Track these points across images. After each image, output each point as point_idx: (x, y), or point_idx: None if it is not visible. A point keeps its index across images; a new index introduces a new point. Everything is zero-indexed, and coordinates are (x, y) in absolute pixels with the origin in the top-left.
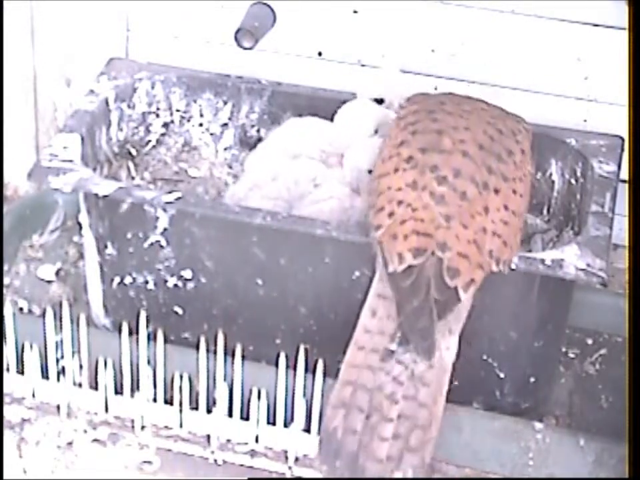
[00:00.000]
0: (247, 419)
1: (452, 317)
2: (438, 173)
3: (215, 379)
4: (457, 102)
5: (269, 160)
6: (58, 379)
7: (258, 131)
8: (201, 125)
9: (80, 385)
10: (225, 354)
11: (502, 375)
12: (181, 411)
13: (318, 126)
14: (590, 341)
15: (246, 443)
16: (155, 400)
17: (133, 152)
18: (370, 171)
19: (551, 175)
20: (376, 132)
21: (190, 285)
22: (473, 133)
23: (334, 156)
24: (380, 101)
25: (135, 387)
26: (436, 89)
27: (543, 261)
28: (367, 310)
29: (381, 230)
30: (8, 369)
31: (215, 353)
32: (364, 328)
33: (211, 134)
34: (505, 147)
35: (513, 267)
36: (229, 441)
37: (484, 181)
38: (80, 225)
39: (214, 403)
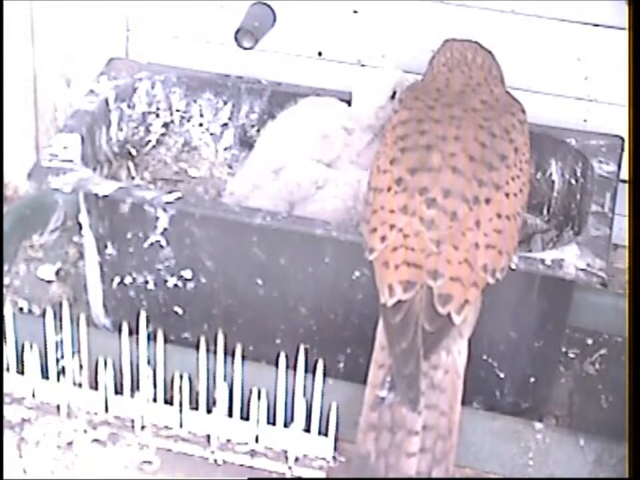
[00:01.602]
0: (247, 419)
1: (461, 321)
2: (427, 195)
3: (215, 379)
4: (449, 101)
5: (272, 155)
6: (58, 379)
7: (258, 130)
8: (201, 125)
9: (80, 385)
10: (225, 354)
11: (502, 375)
12: (181, 411)
13: (332, 104)
14: (590, 341)
15: (246, 443)
16: (155, 400)
17: (133, 152)
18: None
19: (551, 174)
20: (393, 96)
21: (190, 285)
22: (463, 142)
23: (358, 130)
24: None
25: (135, 387)
26: None
27: (543, 260)
28: (381, 327)
29: (374, 254)
30: (8, 369)
31: (215, 353)
32: (380, 345)
33: (211, 134)
34: (498, 153)
35: (513, 267)
36: (229, 440)
37: (474, 195)
38: (80, 224)
39: (214, 403)
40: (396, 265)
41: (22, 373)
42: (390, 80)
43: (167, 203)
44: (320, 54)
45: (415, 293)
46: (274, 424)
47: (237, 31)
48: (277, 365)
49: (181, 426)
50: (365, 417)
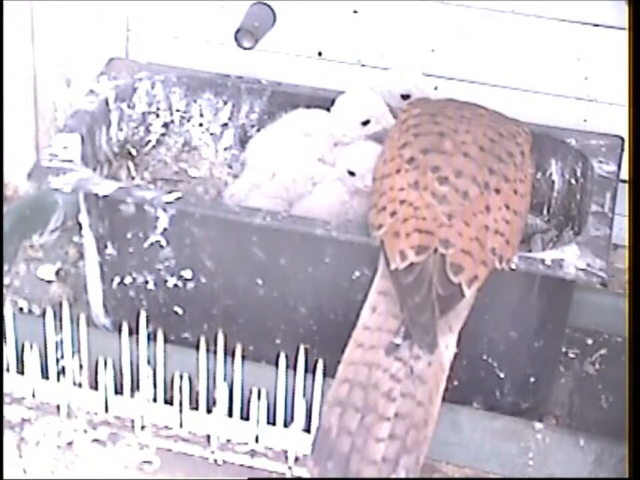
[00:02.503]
0: (247, 419)
1: (452, 315)
2: (439, 174)
3: (215, 379)
4: (457, 107)
5: (268, 157)
6: (58, 379)
7: (258, 130)
8: (201, 124)
9: (80, 385)
10: (225, 354)
11: (502, 375)
12: (181, 411)
13: (321, 116)
14: (590, 341)
15: (246, 443)
16: (155, 400)
17: (133, 152)
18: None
19: (551, 174)
20: (366, 123)
21: (190, 285)
22: (473, 135)
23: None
24: (406, 97)
25: (135, 387)
26: (436, 89)
27: (543, 260)
28: (367, 307)
29: (383, 229)
30: (8, 369)
31: (215, 353)
32: (363, 325)
33: (211, 134)
34: (506, 149)
35: (513, 266)
36: (229, 440)
37: (485, 181)
38: (80, 224)
39: (214, 403)
40: (407, 233)
41: (22, 373)
42: (368, 107)
43: (167, 202)
44: (320, 54)
45: (427, 257)
46: (274, 424)
47: (237, 31)
48: (277, 365)
49: (181, 426)
50: (335, 391)
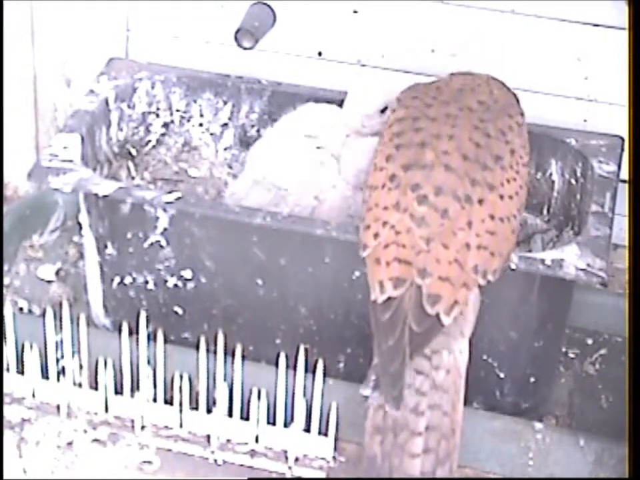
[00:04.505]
0: (247, 419)
1: (462, 320)
2: (419, 192)
3: (215, 379)
4: (445, 100)
5: (269, 154)
6: (58, 379)
7: (258, 130)
8: (201, 124)
9: (80, 385)
10: (225, 354)
11: (502, 375)
12: (181, 410)
13: (329, 109)
14: (590, 341)
15: (246, 443)
16: (155, 400)
17: (133, 152)
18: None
19: (551, 174)
20: (383, 110)
21: (190, 285)
22: (457, 141)
23: (347, 132)
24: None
25: (135, 387)
26: None
27: (543, 261)
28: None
29: (367, 250)
30: (8, 369)
31: (215, 353)
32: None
33: (211, 134)
34: (492, 153)
35: (513, 267)
36: (229, 440)
37: (467, 194)
38: (80, 225)
39: (214, 403)
40: (387, 261)
41: (22, 373)
42: (384, 93)
43: (167, 202)
44: (320, 54)
45: (404, 290)
46: (274, 424)
47: (237, 31)
48: (277, 365)
49: (181, 426)
50: (371, 419)
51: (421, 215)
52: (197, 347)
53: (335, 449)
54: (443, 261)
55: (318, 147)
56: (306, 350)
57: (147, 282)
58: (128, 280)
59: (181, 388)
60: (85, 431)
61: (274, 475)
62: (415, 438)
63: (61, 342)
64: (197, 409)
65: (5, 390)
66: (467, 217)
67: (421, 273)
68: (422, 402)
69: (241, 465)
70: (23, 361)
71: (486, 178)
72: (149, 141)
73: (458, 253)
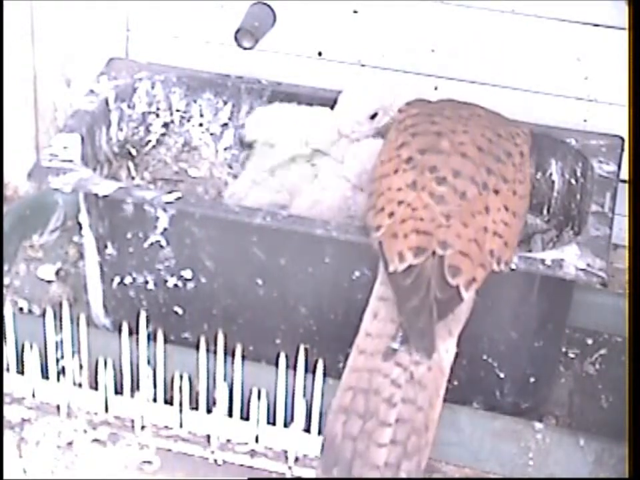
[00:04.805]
0: (247, 419)
1: (452, 319)
2: (437, 174)
3: (215, 379)
4: (455, 107)
5: (268, 155)
6: (58, 379)
7: None
8: (201, 124)
9: (80, 385)
10: (225, 354)
11: (502, 375)
12: (181, 411)
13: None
14: (590, 341)
15: (246, 443)
16: (155, 400)
17: (133, 152)
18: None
19: (551, 174)
20: (373, 117)
21: (190, 285)
22: (471, 135)
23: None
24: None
25: (135, 387)
26: (436, 89)
27: (543, 261)
28: (369, 313)
29: (381, 230)
30: (8, 369)
31: (215, 353)
32: (365, 331)
33: (211, 134)
34: (504, 149)
35: (513, 266)
36: (229, 440)
37: (483, 181)
38: (80, 225)
39: (214, 403)
40: (405, 234)
41: (22, 373)
42: (374, 100)
43: (167, 202)
44: (320, 54)
45: (425, 259)
46: (274, 424)
47: (237, 31)
48: (277, 365)
49: (181, 426)
50: (338, 399)
51: (440, 194)
52: (197, 347)
53: None
54: (463, 238)
55: (315, 150)
56: (306, 350)
57: (146, 282)
58: (128, 280)
59: (180, 388)
60: (85, 431)
61: (274, 475)
62: (384, 428)
63: (61, 342)
64: (197, 409)
65: (5, 390)
66: (484, 202)
67: (442, 245)
68: (396, 394)
69: (241, 465)
70: (23, 361)
71: (500, 170)
72: (149, 140)
73: (476, 234)
